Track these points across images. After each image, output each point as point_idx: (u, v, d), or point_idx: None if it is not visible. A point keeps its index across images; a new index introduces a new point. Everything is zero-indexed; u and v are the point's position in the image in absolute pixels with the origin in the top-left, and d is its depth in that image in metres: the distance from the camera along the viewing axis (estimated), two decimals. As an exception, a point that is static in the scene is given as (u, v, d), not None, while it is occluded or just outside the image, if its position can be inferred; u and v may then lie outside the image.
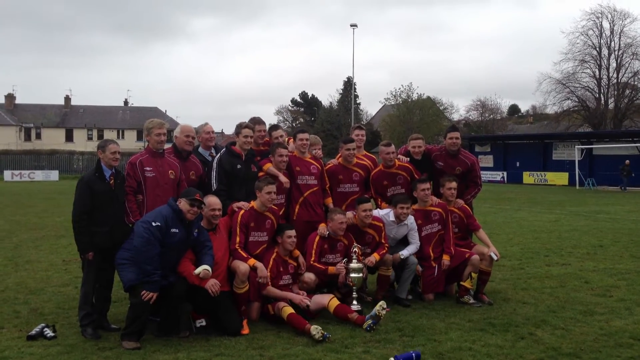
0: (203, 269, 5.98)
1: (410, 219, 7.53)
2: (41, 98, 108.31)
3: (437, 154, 8.25)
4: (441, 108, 70.27)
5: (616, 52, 55.66)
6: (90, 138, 76.22)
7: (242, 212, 6.67)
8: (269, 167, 7.23)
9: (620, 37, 55.23)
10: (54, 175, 51.99)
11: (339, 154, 8.02)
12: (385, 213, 7.53)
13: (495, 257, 7.52)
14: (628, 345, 5.80)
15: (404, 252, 7.43)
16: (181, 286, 5.98)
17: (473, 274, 7.40)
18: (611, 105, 56.94)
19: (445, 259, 7.54)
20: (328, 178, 7.73)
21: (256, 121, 7.65)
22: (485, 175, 45.63)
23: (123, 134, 77.64)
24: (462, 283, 7.45)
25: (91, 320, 6.13)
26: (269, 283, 6.51)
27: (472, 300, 7.33)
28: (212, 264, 6.10)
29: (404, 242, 7.61)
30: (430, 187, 7.66)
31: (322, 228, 7.11)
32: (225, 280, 6.42)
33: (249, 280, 6.43)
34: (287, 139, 8.13)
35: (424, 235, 7.62)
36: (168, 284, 5.89)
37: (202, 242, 6.18)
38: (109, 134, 72.93)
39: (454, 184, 7.73)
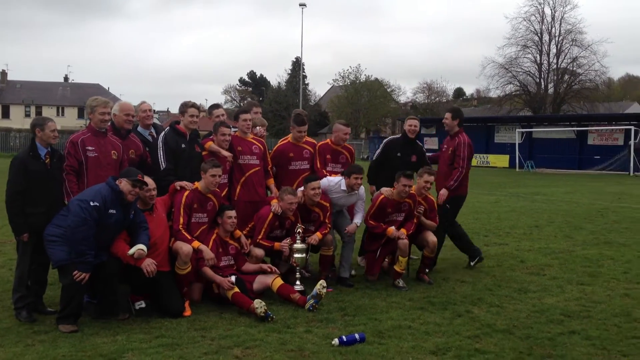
0: (137, 249, 5.86)
1: (361, 190, 7.61)
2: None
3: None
4: (389, 90, 70.95)
5: (556, 38, 57.46)
6: (27, 115, 73.26)
7: (186, 192, 6.57)
8: (210, 144, 7.17)
9: (560, 24, 57.01)
10: (-12, 153, 49.92)
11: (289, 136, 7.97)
12: (336, 182, 7.53)
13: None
14: (558, 321, 6.07)
15: (357, 220, 7.65)
16: (114, 264, 5.85)
17: (401, 258, 7.41)
18: (551, 90, 58.86)
19: (402, 231, 7.53)
20: (279, 157, 7.74)
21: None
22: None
23: (63, 111, 75.03)
24: (394, 267, 7.49)
25: (26, 303, 5.95)
26: (217, 263, 6.49)
27: (401, 284, 7.35)
28: (148, 244, 5.99)
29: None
30: (412, 184, 7.56)
31: (276, 205, 7.10)
32: (166, 260, 6.33)
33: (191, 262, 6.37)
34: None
35: (388, 221, 7.65)
36: (100, 263, 5.75)
37: (138, 223, 6.05)
38: (48, 111, 70.33)
39: (431, 178, 7.74)
